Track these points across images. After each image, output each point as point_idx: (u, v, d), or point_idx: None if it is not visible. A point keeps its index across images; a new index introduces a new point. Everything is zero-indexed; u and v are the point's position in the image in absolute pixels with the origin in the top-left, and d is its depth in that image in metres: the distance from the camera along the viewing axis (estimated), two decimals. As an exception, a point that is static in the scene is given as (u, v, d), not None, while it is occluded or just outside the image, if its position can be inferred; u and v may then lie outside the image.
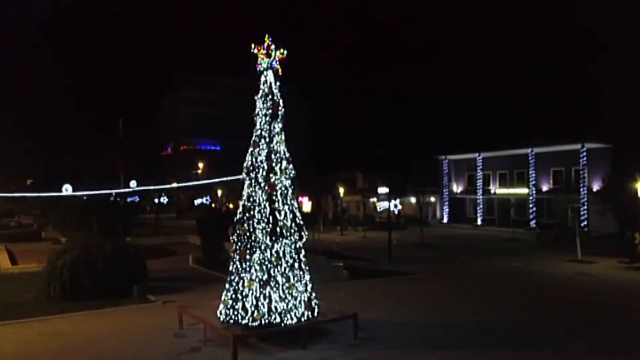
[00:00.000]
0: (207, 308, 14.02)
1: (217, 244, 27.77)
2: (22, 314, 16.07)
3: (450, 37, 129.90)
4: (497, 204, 58.90)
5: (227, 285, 13.10)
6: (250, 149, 13.30)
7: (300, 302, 12.70)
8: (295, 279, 12.79)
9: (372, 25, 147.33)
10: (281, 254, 12.71)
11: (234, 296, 12.71)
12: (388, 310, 16.72)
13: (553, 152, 51.87)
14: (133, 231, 37.15)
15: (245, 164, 13.27)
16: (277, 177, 13.03)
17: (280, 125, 13.41)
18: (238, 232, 12.91)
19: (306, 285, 13.06)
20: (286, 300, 12.47)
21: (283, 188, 13.18)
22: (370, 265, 27.27)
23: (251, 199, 13.04)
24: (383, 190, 66.15)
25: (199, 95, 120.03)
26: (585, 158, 48.64)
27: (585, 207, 48.35)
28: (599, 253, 31.14)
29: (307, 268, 13.27)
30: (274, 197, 12.94)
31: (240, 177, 13.44)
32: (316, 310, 13.14)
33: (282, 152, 13.27)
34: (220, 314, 12.94)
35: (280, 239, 12.62)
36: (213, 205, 57.76)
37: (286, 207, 13.06)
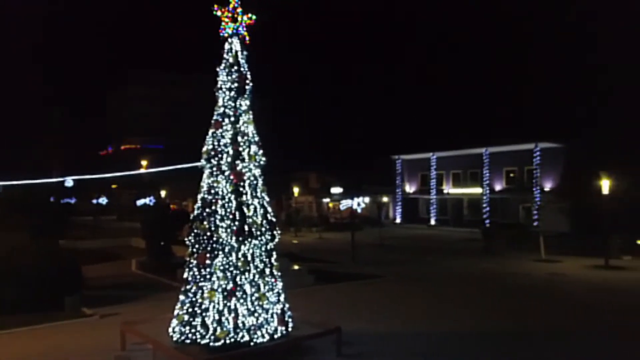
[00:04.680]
0: (156, 324, 11.56)
1: (164, 247, 24.95)
2: None
3: (405, 34, 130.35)
4: (450, 204, 58.50)
5: (181, 297, 10.68)
6: (211, 130, 10.96)
7: (272, 316, 10.47)
8: (267, 287, 10.55)
9: (327, 24, 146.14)
10: (250, 258, 10.44)
11: (190, 310, 10.33)
12: (368, 320, 14.71)
13: (507, 151, 51.80)
14: (68, 233, 33.72)
15: (204, 148, 10.93)
16: (244, 164, 10.77)
17: (247, 102, 11.16)
18: (196, 231, 10.54)
19: (279, 294, 10.84)
20: (256, 314, 10.22)
21: (252, 178, 10.91)
22: (334, 267, 25.30)
23: (212, 191, 10.70)
24: (337, 190, 64.62)
25: (144, 91, 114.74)
26: (539, 158, 48.73)
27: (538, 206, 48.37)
28: (559, 252, 30.56)
29: (279, 274, 11.06)
30: (240, 189, 10.66)
31: (199, 164, 11.07)
32: (290, 324, 10.96)
33: (250, 135, 11.01)
34: (174, 332, 10.52)
35: (249, 240, 10.36)
36: (172, 205, 54.10)
37: (256, 200, 10.80)
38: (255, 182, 10.98)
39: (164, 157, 71.19)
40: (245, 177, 10.75)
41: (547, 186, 47.88)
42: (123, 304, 16.69)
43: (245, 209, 10.52)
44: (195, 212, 10.78)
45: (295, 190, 52.97)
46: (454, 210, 57.57)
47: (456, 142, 56.59)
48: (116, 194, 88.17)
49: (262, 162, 11.11)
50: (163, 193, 66.23)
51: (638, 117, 43.77)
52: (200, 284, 10.31)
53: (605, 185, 26.97)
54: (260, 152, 11.11)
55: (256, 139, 11.11)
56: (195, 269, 10.48)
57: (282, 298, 10.89)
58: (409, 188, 62.73)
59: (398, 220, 61.08)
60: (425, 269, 25.75)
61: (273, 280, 10.75)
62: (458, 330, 13.79)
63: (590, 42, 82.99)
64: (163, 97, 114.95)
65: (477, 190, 54.78)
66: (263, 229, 10.63)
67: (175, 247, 25.53)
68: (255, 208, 10.70)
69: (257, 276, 10.42)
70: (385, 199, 62.83)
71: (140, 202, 73.27)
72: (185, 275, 10.73)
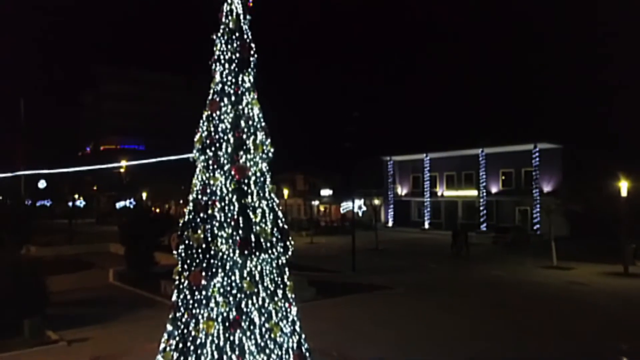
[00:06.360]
0: (137, 357, 9.14)
1: (146, 255, 22.27)
2: None
3: (398, 32, 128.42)
4: (444, 207, 56.62)
5: (169, 327, 8.26)
6: (206, 113, 8.58)
7: (287, 352, 8.12)
8: (279, 315, 8.20)
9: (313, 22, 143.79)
10: (257, 277, 8.08)
11: (181, 345, 7.92)
12: (389, 344, 12.41)
13: (503, 152, 50.10)
14: (41, 239, 31.03)
15: (198, 136, 8.55)
16: (249, 156, 8.40)
17: (251, 78, 8.80)
18: (187, 242, 8.14)
19: (294, 323, 8.49)
20: (267, 351, 7.85)
21: (258, 173, 8.56)
22: (334, 277, 23.00)
23: (208, 191, 8.31)
24: (326, 192, 62.45)
25: (122, 90, 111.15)
26: (538, 159, 47.06)
27: (538, 209, 46.73)
28: (567, 258, 28.69)
29: (293, 297, 8.72)
30: (244, 188, 8.29)
31: (190, 155, 8.69)
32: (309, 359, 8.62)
33: (255, 118, 8.64)
34: (159, 372, 8.12)
35: (257, 254, 7.99)
36: (154, 208, 51.06)
37: (264, 202, 8.45)
38: (262, 179, 8.63)
39: (145, 157, 68.26)
40: (250, 173, 8.40)
41: (546, 188, 46.21)
42: (96, 325, 14.12)
43: (250, 214, 8.16)
44: (187, 217, 8.38)
45: (285, 192, 50.55)
46: (448, 214, 55.75)
47: (451, 142, 54.71)
48: (95, 197, 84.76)
49: (270, 154, 8.77)
50: (144, 195, 63.40)
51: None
52: (193, 312, 7.91)
53: (623, 187, 25.08)
54: (268, 141, 8.76)
55: (263, 124, 8.75)
56: (186, 292, 8.07)
57: (297, 327, 8.55)
58: (401, 190, 60.73)
59: (390, 224, 58.95)
60: (432, 277, 23.69)
61: (287, 305, 8.40)
62: (499, 358, 11.60)
63: (590, 41, 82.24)
64: (141, 96, 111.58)
65: (472, 192, 53.01)
66: (274, 240, 8.28)
67: (158, 255, 22.98)
68: (263, 212, 8.35)
69: (267, 300, 8.06)
70: (376, 202, 60.91)
71: (120, 205, 70.14)
72: (174, 298, 8.31)
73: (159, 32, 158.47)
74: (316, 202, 64.55)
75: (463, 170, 54.29)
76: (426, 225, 55.60)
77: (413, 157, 58.18)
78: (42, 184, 38.18)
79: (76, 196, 64.99)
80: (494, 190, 51.85)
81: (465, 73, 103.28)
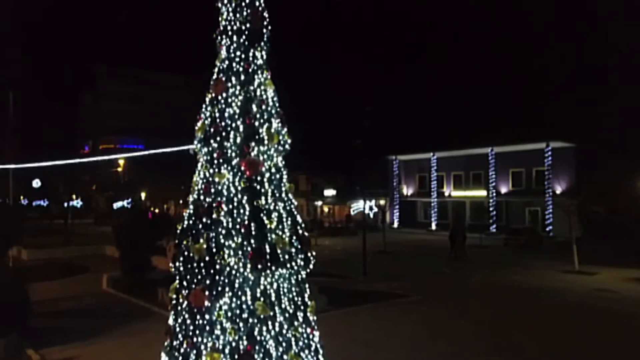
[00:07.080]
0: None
1: (143, 259, 20.70)
2: None
3: (397, 31, 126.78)
4: (451, 208, 55.18)
5: (164, 357, 6.73)
6: (210, 96, 7.04)
7: (309, 389, 6.59)
8: (300, 343, 6.67)
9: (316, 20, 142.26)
10: (274, 297, 6.55)
11: (178, 382, 6.40)
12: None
13: (513, 151, 48.68)
14: (31, 241, 29.62)
15: (200, 123, 7.01)
16: (262, 148, 6.86)
17: (264, 53, 7.26)
18: (186, 253, 6.60)
19: (317, 352, 6.96)
20: (285, 389, 6.33)
21: (274, 170, 7.03)
22: (344, 283, 21.47)
23: (212, 190, 6.76)
24: (330, 192, 61.03)
25: (121, 90, 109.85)
26: (550, 158, 45.55)
27: (550, 210, 45.26)
28: (588, 261, 27.18)
29: (315, 319, 7.19)
30: (257, 187, 6.75)
31: (191, 147, 7.16)
32: (333, 396, 7.11)
33: (269, 102, 7.09)
34: (151, 416, 6.60)
35: (273, 268, 6.46)
36: (153, 208, 49.27)
37: (280, 205, 6.92)
38: (278, 176, 7.10)
39: (143, 158, 66.78)
40: (263, 169, 6.86)
41: (558, 188, 44.75)
42: (84, 341, 12.55)
43: (264, 219, 6.63)
44: (186, 222, 6.84)
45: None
46: (455, 214, 54.30)
47: (459, 141, 53.26)
48: (93, 197, 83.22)
49: (287, 146, 7.23)
50: (143, 195, 61.94)
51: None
52: (194, 340, 6.38)
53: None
54: (285, 130, 7.21)
55: (278, 109, 7.21)
56: (186, 315, 6.53)
57: (321, 356, 7.02)
58: (407, 190, 59.25)
59: (395, 225, 57.46)
60: (447, 283, 22.18)
61: (309, 330, 6.87)
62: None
63: (602, 35, 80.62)
64: (141, 96, 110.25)
65: (481, 192, 51.57)
66: (293, 250, 6.75)
67: (156, 259, 21.40)
68: (279, 217, 6.81)
69: (285, 326, 6.53)
70: (381, 202, 59.52)
71: (117, 205, 68.59)
72: (170, 322, 6.77)
73: (159, 32, 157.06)
74: (319, 203, 63.13)
75: (471, 170, 52.90)
76: (433, 226, 54.16)
77: (419, 157, 56.80)
78: (36, 183, 36.65)
79: (74, 196, 63.52)
80: (503, 190, 50.43)
81: (471, 71, 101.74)
